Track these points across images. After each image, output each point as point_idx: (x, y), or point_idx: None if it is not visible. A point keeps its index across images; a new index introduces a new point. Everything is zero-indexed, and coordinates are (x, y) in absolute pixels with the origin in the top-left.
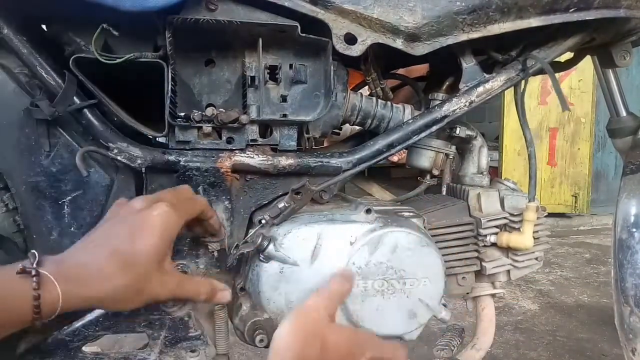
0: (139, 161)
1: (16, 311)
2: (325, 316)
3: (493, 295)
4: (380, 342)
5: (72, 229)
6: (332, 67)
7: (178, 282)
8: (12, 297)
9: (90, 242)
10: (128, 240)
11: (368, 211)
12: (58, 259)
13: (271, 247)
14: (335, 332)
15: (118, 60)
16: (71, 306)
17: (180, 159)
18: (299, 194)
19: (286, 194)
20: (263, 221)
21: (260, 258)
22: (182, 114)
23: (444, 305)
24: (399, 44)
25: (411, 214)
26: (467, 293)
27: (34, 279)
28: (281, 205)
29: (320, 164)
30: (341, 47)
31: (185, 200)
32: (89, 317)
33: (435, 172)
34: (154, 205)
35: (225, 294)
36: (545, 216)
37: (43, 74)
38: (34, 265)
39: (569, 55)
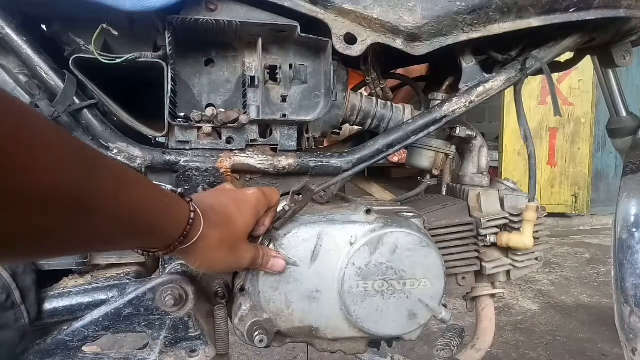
0: (138, 161)
1: (171, 226)
2: None
3: (493, 295)
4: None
5: None
6: (332, 67)
7: (256, 250)
8: (176, 212)
9: (205, 197)
10: (232, 203)
11: (368, 211)
12: (199, 203)
13: (271, 247)
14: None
15: (118, 60)
16: (195, 248)
17: (180, 159)
18: (300, 194)
19: (285, 194)
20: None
21: None
22: (182, 114)
23: (444, 305)
24: (398, 44)
25: (411, 214)
26: (467, 293)
27: (191, 205)
28: (279, 209)
29: (320, 164)
30: (341, 47)
31: (268, 189)
32: (89, 317)
33: (435, 172)
34: (249, 188)
35: (277, 262)
36: (545, 216)
37: (43, 74)
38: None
39: (569, 55)
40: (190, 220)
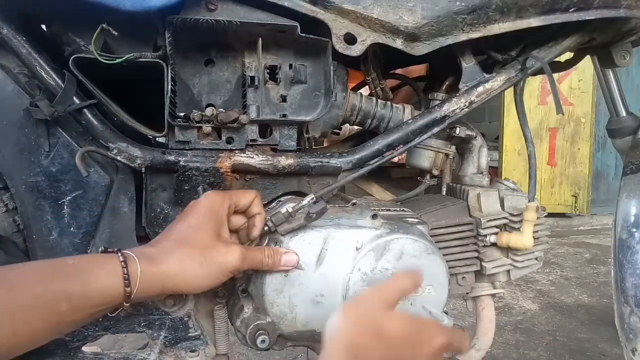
0: (138, 161)
1: (109, 288)
2: (380, 305)
3: (493, 295)
4: (445, 329)
5: (72, 229)
6: (332, 67)
7: (242, 251)
8: (105, 275)
9: (159, 235)
10: (181, 222)
11: (374, 216)
12: (137, 248)
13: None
14: (392, 318)
15: (118, 60)
16: (152, 283)
17: (180, 159)
18: (314, 214)
19: (285, 194)
20: (266, 227)
21: None
22: (182, 114)
23: (445, 312)
24: (398, 44)
25: (416, 220)
26: (467, 293)
27: (119, 255)
28: (284, 210)
29: (320, 164)
30: (341, 47)
31: (236, 190)
32: None
33: (435, 172)
34: (203, 195)
35: (290, 258)
36: (545, 216)
37: (43, 74)
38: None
39: (569, 55)
40: (123, 265)
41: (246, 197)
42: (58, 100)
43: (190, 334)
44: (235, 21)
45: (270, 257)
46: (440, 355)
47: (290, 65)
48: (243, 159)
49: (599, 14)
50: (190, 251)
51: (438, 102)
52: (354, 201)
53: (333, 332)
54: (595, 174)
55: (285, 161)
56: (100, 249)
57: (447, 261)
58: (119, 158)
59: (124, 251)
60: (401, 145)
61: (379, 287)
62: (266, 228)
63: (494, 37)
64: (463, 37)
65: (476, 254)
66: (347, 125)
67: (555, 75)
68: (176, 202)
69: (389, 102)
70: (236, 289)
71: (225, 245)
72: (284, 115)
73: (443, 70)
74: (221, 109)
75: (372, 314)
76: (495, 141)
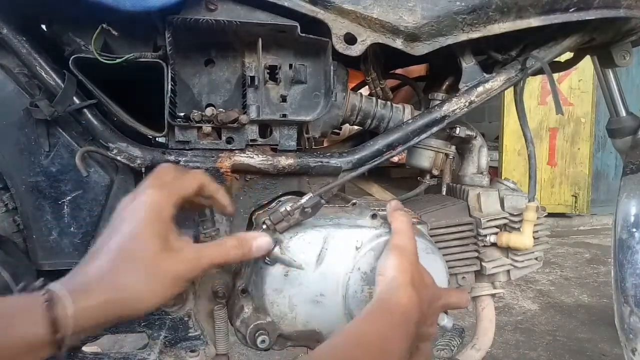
0: (138, 161)
1: (33, 336)
2: (416, 255)
3: (493, 295)
4: (447, 291)
5: (72, 229)
6: (332, 67)
7: (196, 252)
8: (27, 322)
9: (91, 251)
10: (118, 232)
11: (374, 216)
12: (67, 276)
13: (277, 249)
14: (425, 270)
15: (118, 60)
16: (91, 318)
17: (180, 159)
18: (309, 209)
19: (285, 194)
20: (264, 226)
21: (265, 261)
22: (182, 114)
23: (445, 312)
24: (398, 44)
25: (416, 219)
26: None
27: (44, 295)
28: (282, 209)
29: (320, 164)
30: (341, 47)
31: (174, 179)
32: None
33: (435, 172)
34: (138, 193)
35: (261, 242)
36: (545, 216)
37: (43, 74)
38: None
39: (569, 55)
40: (47, 308)
41: (192, 181)
42: (58, 100)
43: (190, 334)
44: (235, 21)
45: (239, 248)
46: (439, 312)
47: (290, 65)
48: (243, 159)
49: (599, 14)
50: (134, 267)
51: (438, 102)
52: (354, 201)
53: (392, 272)
54: (595, 174)
55: (285, 161)
56: (19, 288)
57: (447, 261)
58: (119, 158)
59: (51, 287)
60: (401, 145)
61: (405, 236)
62: (264, 227)
63: (494, 37)
64: (463, 37)
65: (476, 254)
66: (347, 125)
67: (555, 75)
68: None
69: (389, 102)
70: (236, 289)
71: (176, 251)
72: (284, 115)
73: (443, 70)
74: (221, 109)
75: (415, 261)
76: (495, 141)
